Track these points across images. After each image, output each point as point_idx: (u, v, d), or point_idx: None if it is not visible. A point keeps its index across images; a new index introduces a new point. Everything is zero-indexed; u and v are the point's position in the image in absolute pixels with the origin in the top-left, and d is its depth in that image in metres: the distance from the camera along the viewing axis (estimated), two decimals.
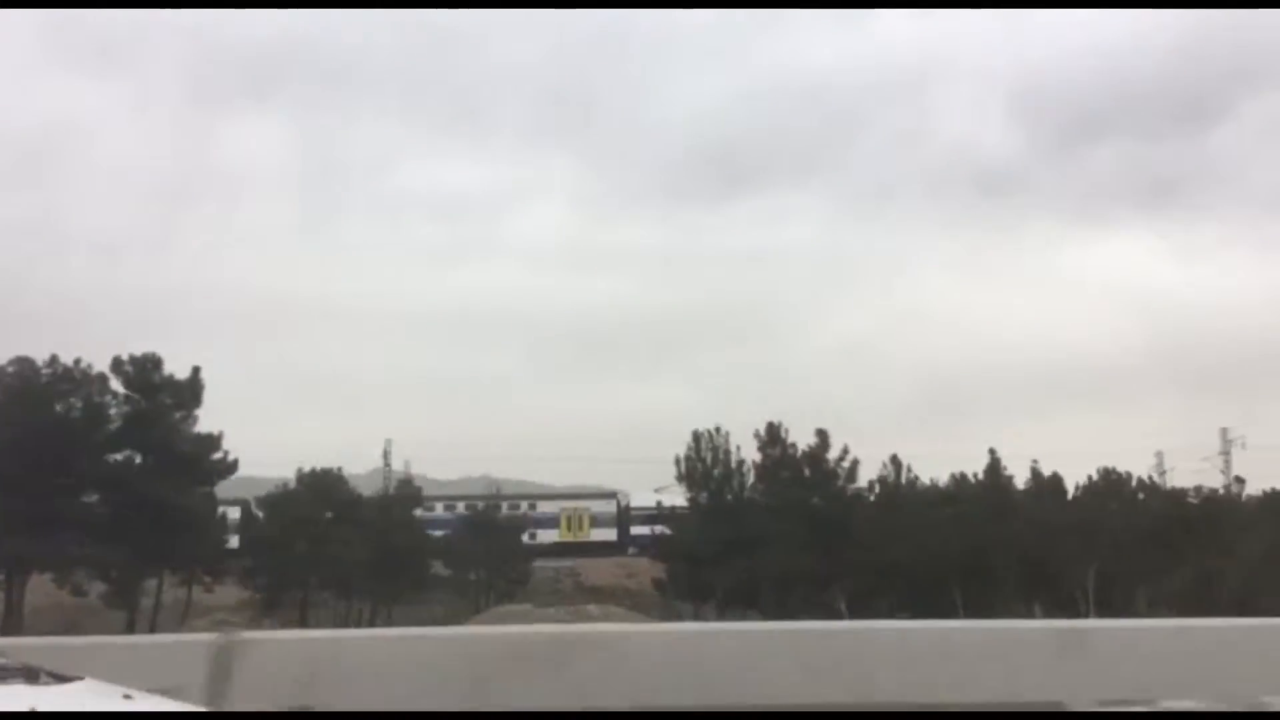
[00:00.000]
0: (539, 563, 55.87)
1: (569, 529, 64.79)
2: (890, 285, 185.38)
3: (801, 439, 48.06)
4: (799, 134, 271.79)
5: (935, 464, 70.43)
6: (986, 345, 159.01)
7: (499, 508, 59.21)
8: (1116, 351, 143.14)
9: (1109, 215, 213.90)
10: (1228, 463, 66.10)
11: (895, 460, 48.80)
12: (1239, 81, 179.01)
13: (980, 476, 49.22)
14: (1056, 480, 50.10)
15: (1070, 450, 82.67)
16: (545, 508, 66.23)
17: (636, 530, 61.18)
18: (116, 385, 38.53)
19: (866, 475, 48.06)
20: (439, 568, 51.30)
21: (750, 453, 47.12)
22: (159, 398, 38.69)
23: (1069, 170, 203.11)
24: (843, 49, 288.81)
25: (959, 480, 49.82)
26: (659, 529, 51.58)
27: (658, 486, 59.85)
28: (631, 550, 60.49)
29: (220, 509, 45.91)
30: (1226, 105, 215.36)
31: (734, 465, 47.32)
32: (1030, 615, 36.72)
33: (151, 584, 40.98)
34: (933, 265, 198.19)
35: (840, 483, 46.34)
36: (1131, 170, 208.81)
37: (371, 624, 42.98)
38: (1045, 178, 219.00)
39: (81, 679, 3.11)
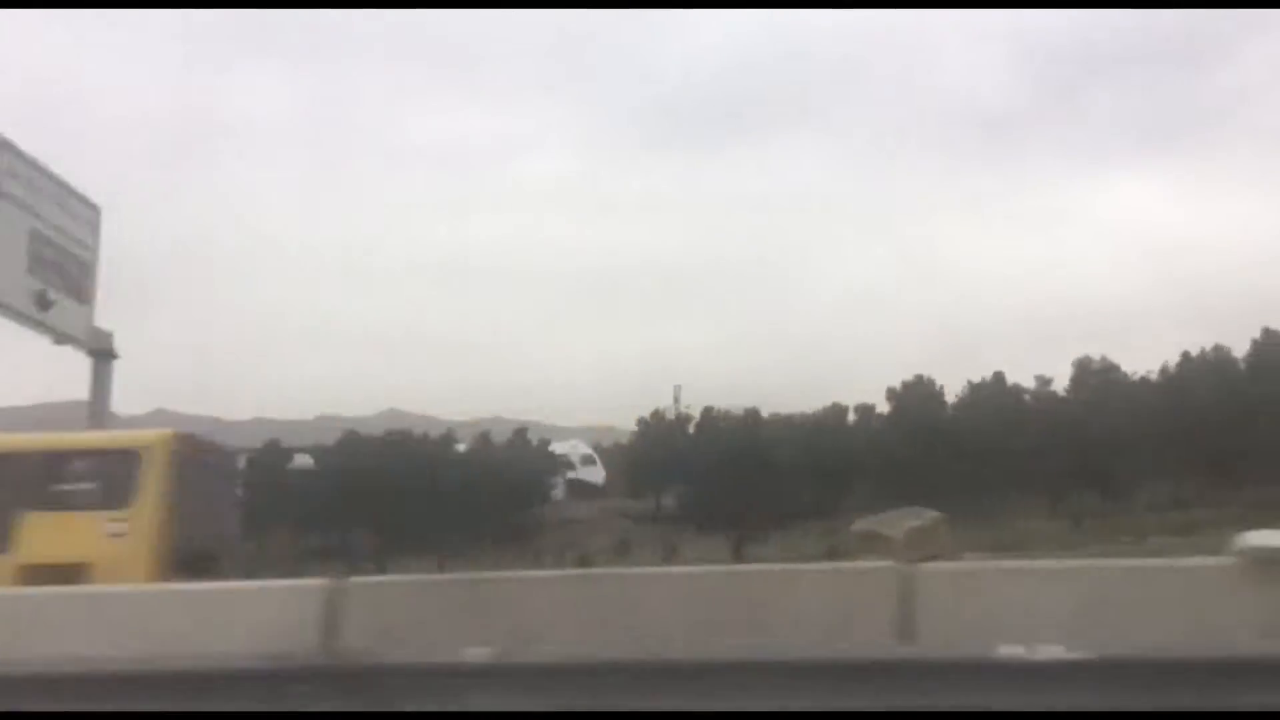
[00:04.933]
0: None
1: None
2: (896, 230, 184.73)
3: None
4: (801, 80, 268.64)
5: None
6: (993, 288, 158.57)
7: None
8: (1123, 292, 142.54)
9: (1113, 157, 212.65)
10: None
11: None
12: (1242, 23, 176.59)
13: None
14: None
15: None
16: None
17: None
18: None
19: None
20: None
21: None
22: None
23: (1073, 113, 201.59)
24: None
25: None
26: None
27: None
28: None
29: None
30: (1230, 46, 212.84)
31: None
32: None
33: None
34: (939, 209, 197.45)
35: None
36: (1135, 111, 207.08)
37: None
38: (1050, 120, 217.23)
39: None
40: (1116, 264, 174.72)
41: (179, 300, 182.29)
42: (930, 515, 25.89)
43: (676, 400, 64.80)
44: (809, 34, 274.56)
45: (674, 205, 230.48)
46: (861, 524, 25.69)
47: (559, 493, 63.20)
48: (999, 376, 57.61)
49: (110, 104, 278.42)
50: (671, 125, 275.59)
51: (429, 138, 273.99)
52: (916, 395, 56.96)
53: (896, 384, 57.54)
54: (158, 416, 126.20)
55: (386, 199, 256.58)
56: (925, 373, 58.95)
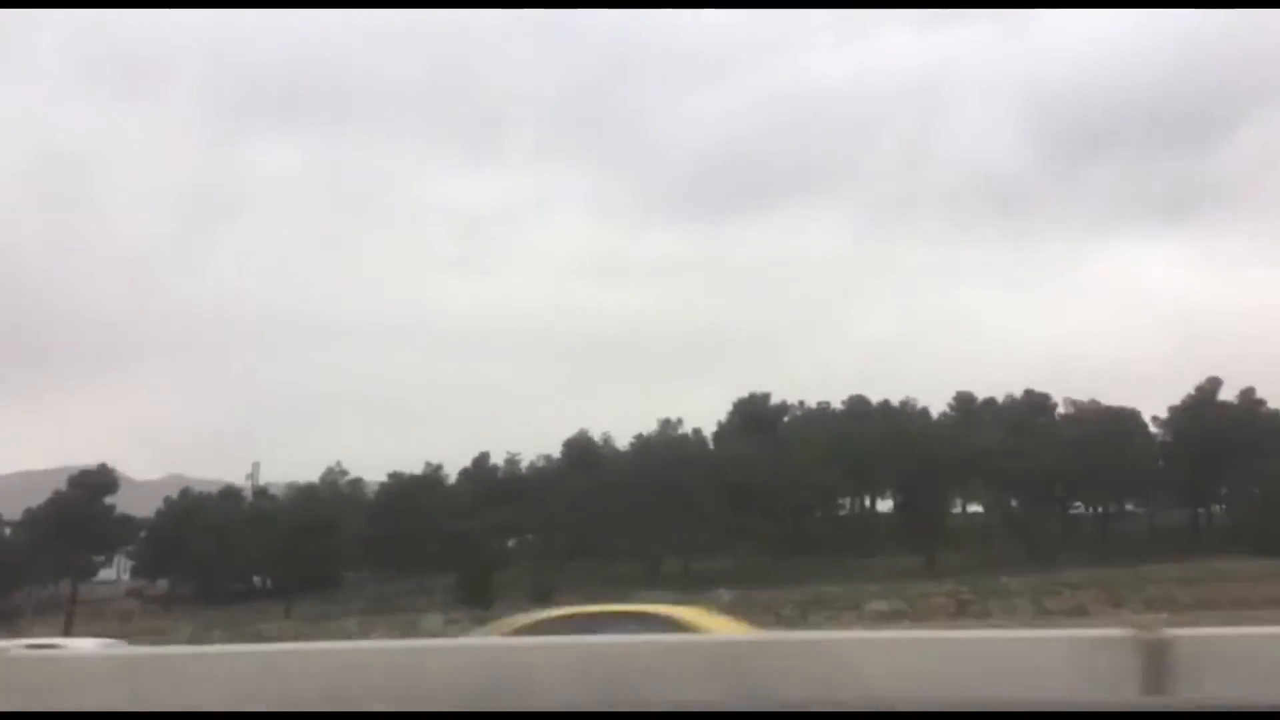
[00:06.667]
0: None
1: None
2: (906, 297, 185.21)
3: None
4: (811, 149, 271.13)
5: None
6: (1004, 354, 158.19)
7: None
8: (1131, 359, 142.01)
9: (1120, 227, 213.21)
10: None
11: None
12: (1246, 93, 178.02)
13: None
14: None
15: None
16: None
17: None
18: None
19: None
20: None
21: None
22: None
23: (1080, 183, 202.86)
24: (850, 64, 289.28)
25: None
26: None
27: None
28: None
29: None
30: (1235, 116, 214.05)
31: None
32: None
33: None
34: (949, 276, 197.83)
35: None
36: (1141, 182, 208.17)
37: None
38: (1056, 190, 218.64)
39: None
40: (1123, 329, 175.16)
41: (194, 367, 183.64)
42: None
43: (250, 476, 68.17)
44: (821, 103, 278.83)
45: (685, 271, 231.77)
46: None
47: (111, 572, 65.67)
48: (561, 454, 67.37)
49: (129, 177, 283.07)
50: (682, 193, 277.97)
51: (441, 204, 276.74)
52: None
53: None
54: (172, 481, 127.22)
55: (399, 263, 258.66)
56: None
